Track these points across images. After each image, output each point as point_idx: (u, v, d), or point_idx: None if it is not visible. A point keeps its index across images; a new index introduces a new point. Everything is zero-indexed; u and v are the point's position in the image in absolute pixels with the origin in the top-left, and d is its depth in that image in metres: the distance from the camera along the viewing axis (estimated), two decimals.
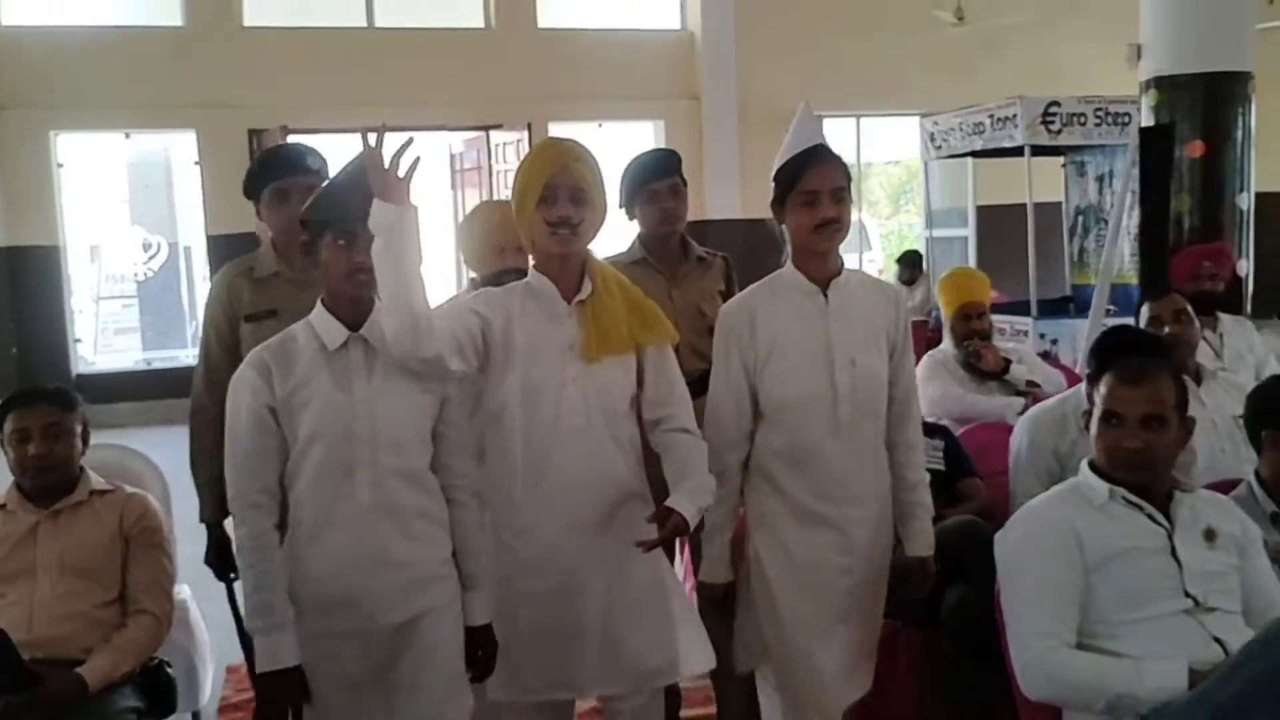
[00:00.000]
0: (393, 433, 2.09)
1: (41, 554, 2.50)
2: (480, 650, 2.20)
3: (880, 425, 2.41)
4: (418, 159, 1.98)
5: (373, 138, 1.96)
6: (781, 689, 2.48)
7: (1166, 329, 3.46)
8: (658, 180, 2.97)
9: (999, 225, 8.79)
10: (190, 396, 2.73)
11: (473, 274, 2.87)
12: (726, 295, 2.97)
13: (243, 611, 2.14)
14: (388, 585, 2.08)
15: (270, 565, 2.04)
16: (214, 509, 2.65)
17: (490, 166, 9.75)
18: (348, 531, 2.06)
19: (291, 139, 9.22)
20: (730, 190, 10.15)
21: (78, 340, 9.11)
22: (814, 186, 2.26)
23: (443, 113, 9.48)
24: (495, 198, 9.26)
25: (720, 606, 2.46)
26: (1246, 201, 5.10)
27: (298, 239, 2.26)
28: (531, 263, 2.28)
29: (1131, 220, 4.97)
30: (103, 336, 9.82)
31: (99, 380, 8.88)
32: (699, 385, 2.53)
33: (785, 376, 2.35)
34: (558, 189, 2.14)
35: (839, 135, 10.97)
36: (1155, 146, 5.11)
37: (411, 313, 1.98)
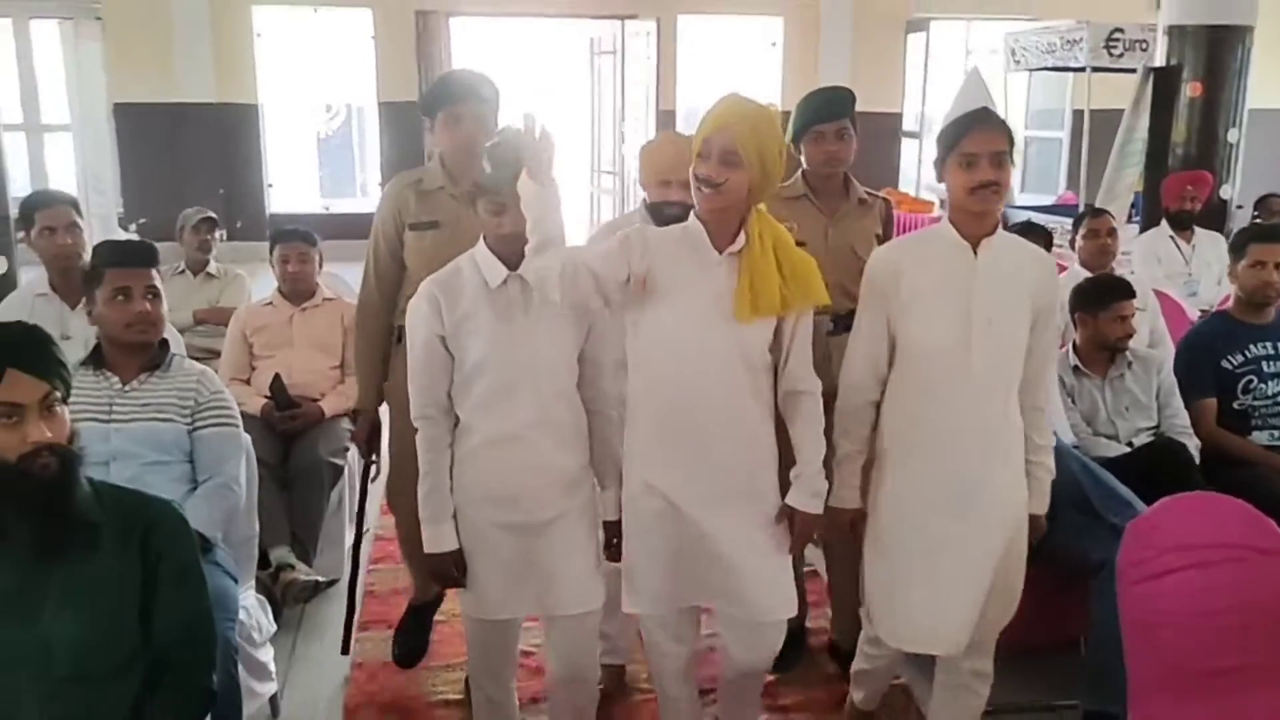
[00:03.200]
0: (548, 359, 2.30)
1: (295, 334, 4.02)
2: (614, 539, 2.41)
3: (1012, 386, 2.38)
4: (553, 144, 2.13)
5: (530, 125, 2.11)
6: (869, 609, 2.53)
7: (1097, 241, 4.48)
8: (824, 123, 2.94)
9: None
10: (360, 293, 2.99)
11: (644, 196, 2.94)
12: (884, 238, 3.03)
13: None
14: (541, 486, 2.31)
15: (442, 466, 2.31)
16: (374, 397, 2.98)
17: (623, 52, 10.89)
18: (511, 442, 2.28)
19: (452, 20, 10.55)
20: (841, 73, 10.98)
21: (270, 185, 10.76)
22: (973, 149, 2.26)
23: (583, 3, 10.61)
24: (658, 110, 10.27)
25: (846, 534, 2.50)
26: (1236, 136, 5.97)
27: (465, 158, 2.65)
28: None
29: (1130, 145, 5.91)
30: (289, 184, 11.42)
31: (288, 219, 10.54)
32: (845, 323, 2.63)
33: (923, 324, 2.36)
34: (712, 146, 2.17)
35: (948, 38, 11.61)
36: (1165, 85, 6.02)
37: (558, 273, 2.12)
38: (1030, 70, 8.75)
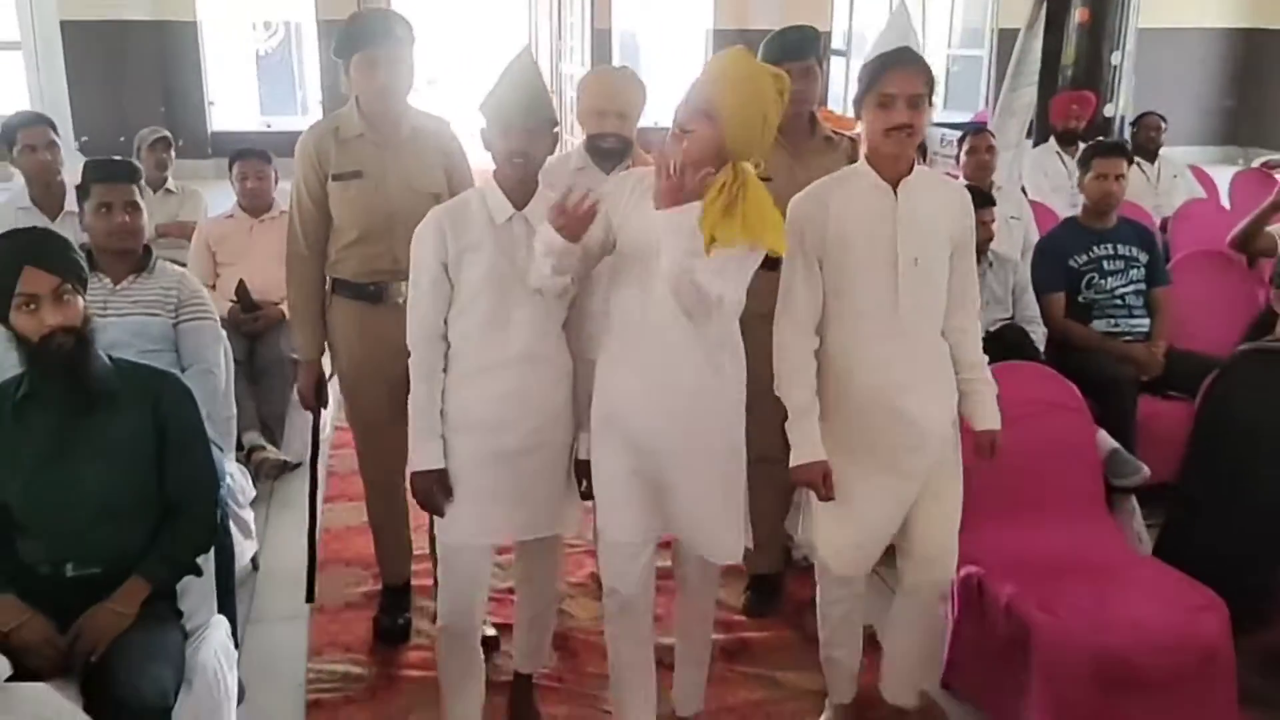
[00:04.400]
0: (540, 298, 2.34)
1: (255, 244, 4.42)
2: (585, 479, 2.47)
3: (938, 320, 2.43)
4: (595, 205, 2.16)
5: (572, 198, 2.13)
6: (811, 539, 2.57)
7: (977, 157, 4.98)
8: (790, 61, 2.91)
9: None
10: (287, 245, 2.91)
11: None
12: None
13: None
14: (524, 416, 2.38)
15: (434, 388, 2.37)
16: (314, 348, 2.94)
17: None
18: (498, 372, 2.36)
19: None
20: (773, 4, 11.32)
21: (211, 103, 10.90)
22: (891, 90, 2.26)
23: None
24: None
25: (820, 489, 2.41)
26: (1119, 58, 6.49)
27: (380, 104, 2.71)
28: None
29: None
30: (230, 102, 11.54)
31: (229, 137, 10.73)
32: None
33: (848, 270, 2.37)
34: (695, 96, 2.18)
35: None
36: (1056, 9, 6.51)
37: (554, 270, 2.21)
38: None
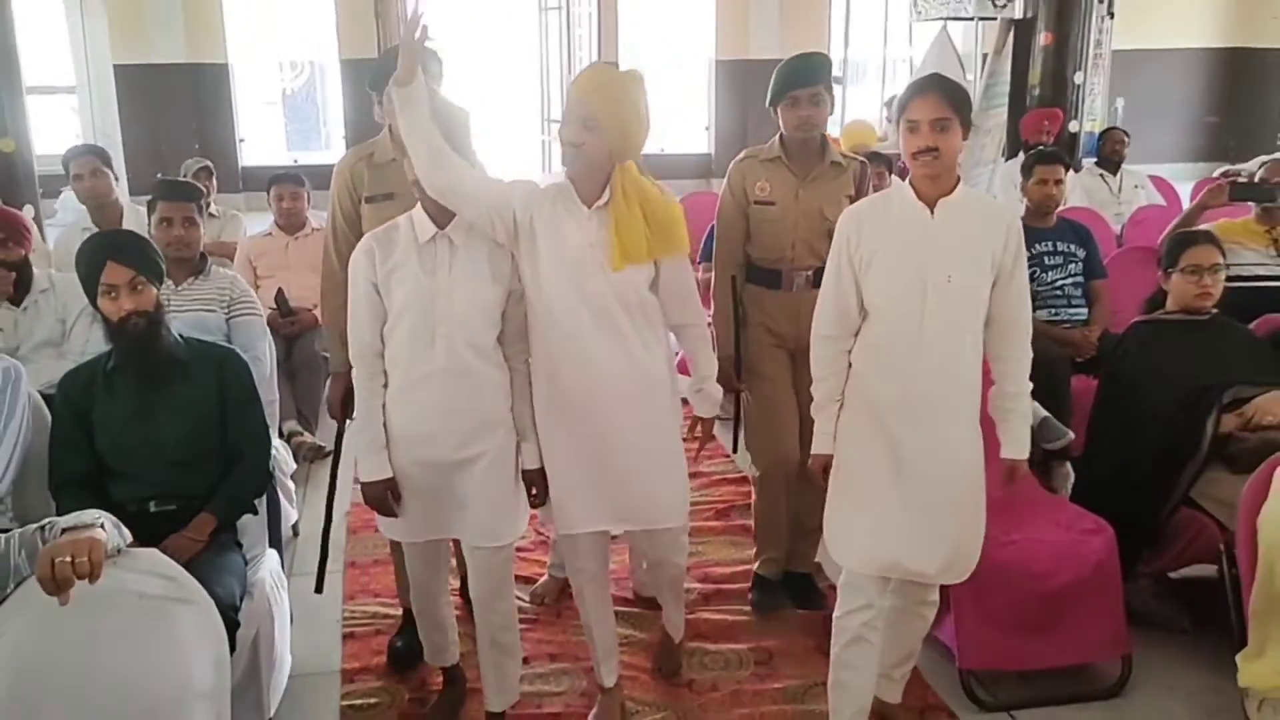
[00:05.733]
0: (464, 313, 2.48)
1: (291, 258, 4.97)
2: (533, 487, 2.66)
3: (972, 341, 2.47)
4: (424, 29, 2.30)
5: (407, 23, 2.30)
6: (828, 541, 2.65)
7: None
8: (799, 88, 3.05)
9: None
10: (322, 264, 3.04)
11: None
12: (856, 198, 3.10)
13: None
14: (453, 429, 2.51)
15: (377, 402, 2.54)
16: (346, 360, 2.79)
17: (568, 8, 11.70)
18: (428, 385, 2.49)
19: None
20: (772, 37, 11.88)
21: (242, 140, 11.56)
22: (916, 116, 2.38)
23: None
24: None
25: (821, 479, 2.61)
26: (1081, 78, 7.00)
27: None
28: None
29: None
30: (259, 138, 12.18)
31: (259, 172, 11.35)
32: (814, 280, 2.80)
33: (880, 283, 2.46)
34: (573, 114, 2.43)
35: None
36: (1022, 35, 7.02)
37: (430, 152, 2.36)
38: (929, 20, 9.66)
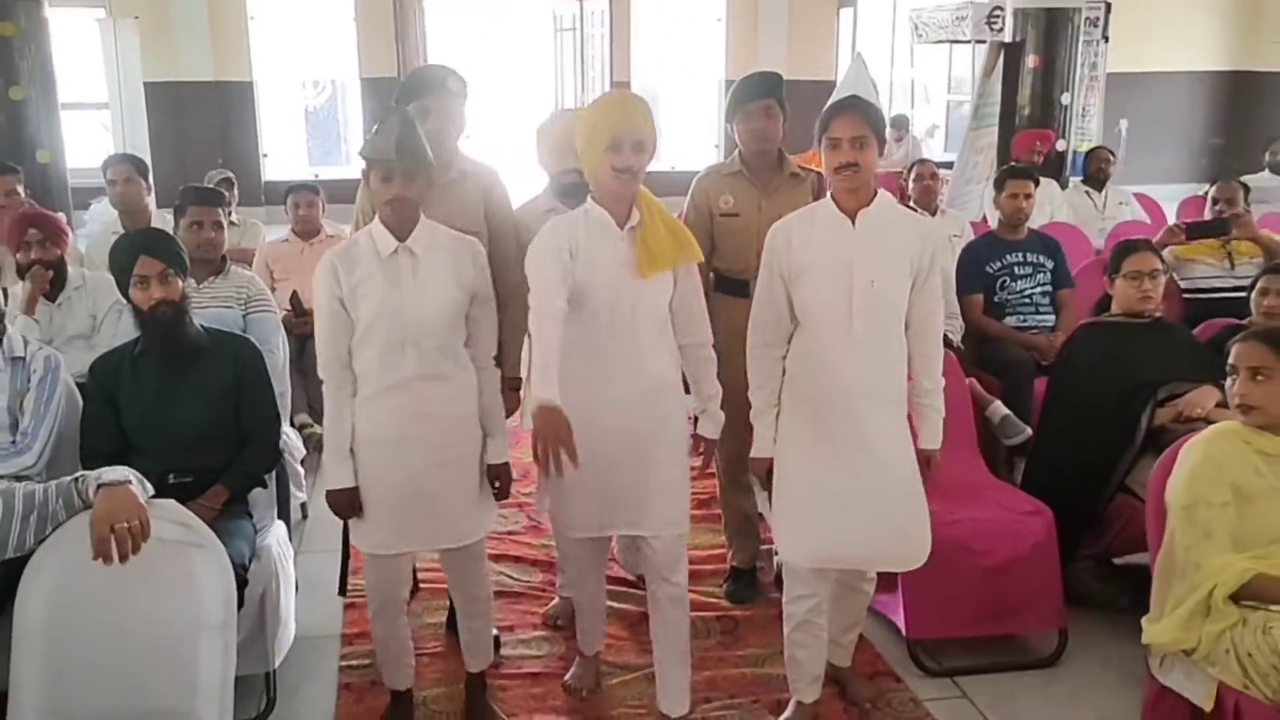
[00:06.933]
0: (430, 319, 2.58)
1: (305, 262, 5.24)
2: (498, 481, 2.76)
3: (896, 339, 2.64)
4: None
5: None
6: (776, 537, 2.80)
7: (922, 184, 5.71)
8: (752, 102, 3.25)
9: None
10: None
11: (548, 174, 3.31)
12: None
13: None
14: (427, 432, 2.61)
15: (344, 414, 2.62)
16: None
17: (582, 29, 12.08)
18: (400, 392, 2.59)
19: (426, 2, 11.69)
20: (781, 58, 12.20)
21: (265, 155, 11.94)
22: (837, 134, 2.54)
23: None
24: (572, 104, 11.34)
25: (765, 481, 2.76)
26: (1068, 99, 7.26)
27: (435, 146, 2.74)
28: (591, 192, 2.63)
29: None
30: (281, 154, 12.56)
31: (281, 186, 11.68)
32: None
33: (810, 290, 2.61)
34: (623, 140, 2.48)
35: (876, 12, 12.76)
36: (1012, 57, 7.29)
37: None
38: (930, 43, 9.97)
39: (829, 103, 2.63)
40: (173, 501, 2.41)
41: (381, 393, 2.60)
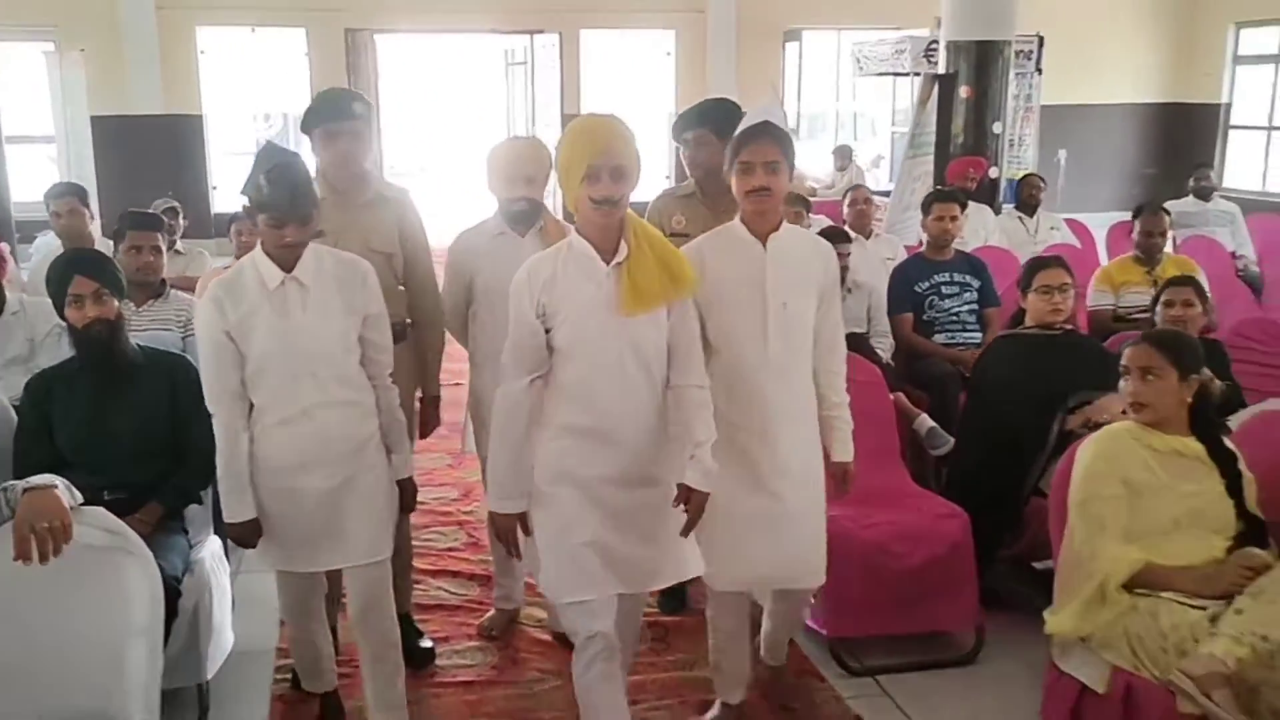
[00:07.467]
0: (325, 347, 2.59)
1: None
2: (404, 494, 2.83)
3: (807, 358, 2.69)
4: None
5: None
6: (705, 555, 2.61)
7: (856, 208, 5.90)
8: (686, 131, 3.40)
9: None
10: None
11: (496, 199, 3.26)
12: None
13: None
14: (328, 457, 2.63)
15: (239, 448, 2.61)
16: None
17: (533, 63, 12.24)
18: (299, 421, 2.61)
19: (378, 37, 11.82)
20: (728, 91, 12.46)
21: (214, 188, 11.96)
22: (749, 158, 2.57)
23: (496, 19, 11.96)
24: (515, 133, 11.52)
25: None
26: (1000, 128, 7.49)
27: (343, 171, 2.97)
28: (574, 226, 2.49)
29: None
30: (232, 186, 12.58)
31: (230, 218, 11.73)
32: None
33: (727, 314, 2.62)
34: (601, 169, 2.31)
35: (820, 46, 13.06)
36: (946, 88, 7.52)
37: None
38: (871, 75, 10.23)
39: (740, 128, 2.65)
40: (101, 509, 2.45)
41: (281, 422, 2.62)
